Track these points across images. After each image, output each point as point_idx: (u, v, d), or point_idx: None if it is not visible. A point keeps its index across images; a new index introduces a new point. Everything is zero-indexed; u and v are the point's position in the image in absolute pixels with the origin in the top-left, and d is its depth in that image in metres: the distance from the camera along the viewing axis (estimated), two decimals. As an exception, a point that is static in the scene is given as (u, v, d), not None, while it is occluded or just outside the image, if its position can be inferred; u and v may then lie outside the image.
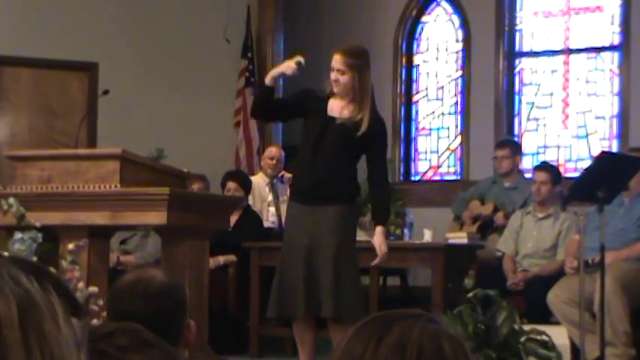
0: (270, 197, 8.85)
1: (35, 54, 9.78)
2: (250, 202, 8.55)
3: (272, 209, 8.82)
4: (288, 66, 5.73)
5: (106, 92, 8.55)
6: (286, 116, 6.24)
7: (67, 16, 9.91)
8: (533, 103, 10.11)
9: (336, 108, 5.66)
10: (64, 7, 9.91)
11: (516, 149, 8.77)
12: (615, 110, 9.71)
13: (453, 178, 10.43)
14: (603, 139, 9.76)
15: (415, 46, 10.73)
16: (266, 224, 8.56)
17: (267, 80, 5.77)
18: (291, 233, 5.73)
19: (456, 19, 10.50)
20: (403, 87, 10.62)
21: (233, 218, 7.38)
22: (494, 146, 8.86)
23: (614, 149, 9.52)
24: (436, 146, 10.59)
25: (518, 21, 10.24)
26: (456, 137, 10.46)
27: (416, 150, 10.67)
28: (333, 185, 5.56)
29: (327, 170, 5.57)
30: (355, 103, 5.61)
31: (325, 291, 5.50)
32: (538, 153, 10.01)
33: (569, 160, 9.92)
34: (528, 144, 10.02)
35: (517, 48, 10.25)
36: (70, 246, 5.35)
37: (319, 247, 5.54)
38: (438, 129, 10.57)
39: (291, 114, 5.99)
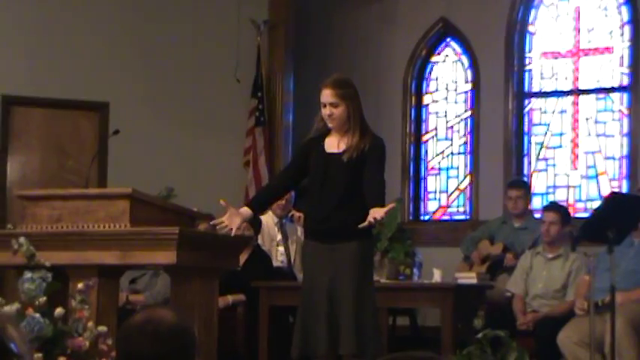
0: (279, 237, 8.85)
1: (46, 94, 9.83)
2: (260, 241, 8.54)
3: (281, 249, 8.81)
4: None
5: (116, 132, 8.58)
6: (302, 177, 5.89)
7: (78, 56, 9.97)
8: (543, 143, 10.11)
9: (334, 144, 5.63)
10: (74, 47, 9.97)
11: (528, 189, 8.79)
12: (625, 151, 9.71)
13: (463, 217, 10.42)
14: (613, 179, 9.76)
15: (424, 85, 10.75)
16: (275, 264, 8.54)
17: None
18: (310, 272, 5.69)
19: (465, 59, 10.53)
20: (412, 126, 10.64)
21: (242, 257, 7.37)
22: (508, 186, 8.83)
23: (624, 190, 9.52)
24: (445, 186, 10.59)
25: (527, 61, 10.27)
26: (465, 177, 10.47)
27: (425, 189, 10.67)
28: (347, 222, 5.51)
29: (339, 207, 5.54)
30: (350, 132, 5.58)
31: (346, 327, 5.47)
32: (547, 193, 10.01)
33: (579, 201, 9.90)
34: (538, 184, 10.01)
35: (526, 88, 10.27)
36: (80, 285, 5.35)
37: (339, 284, 5.52)
38: (448, 169, 10.58)
39: (302, 172, 5.81)
